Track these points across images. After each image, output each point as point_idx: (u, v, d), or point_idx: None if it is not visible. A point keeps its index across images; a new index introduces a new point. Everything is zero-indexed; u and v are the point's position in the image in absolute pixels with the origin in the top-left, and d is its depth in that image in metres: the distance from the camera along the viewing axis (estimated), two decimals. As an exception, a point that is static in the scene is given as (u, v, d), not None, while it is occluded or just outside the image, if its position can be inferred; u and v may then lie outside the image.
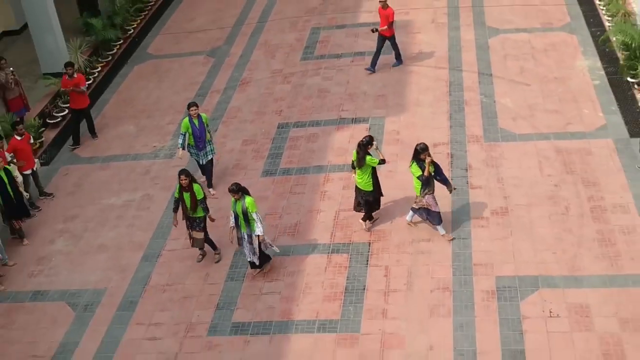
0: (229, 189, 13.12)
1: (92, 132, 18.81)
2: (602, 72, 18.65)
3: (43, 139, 18.74)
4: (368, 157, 13.78)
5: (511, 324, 12.19)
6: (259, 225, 13.11)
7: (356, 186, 14.27)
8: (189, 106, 15.73)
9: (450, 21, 22.09)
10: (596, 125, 16.76)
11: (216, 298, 13.56)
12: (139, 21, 24.56)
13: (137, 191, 16.74)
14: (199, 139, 15.67)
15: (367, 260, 13.91)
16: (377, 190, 14.26)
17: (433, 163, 13.43)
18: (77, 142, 18.55)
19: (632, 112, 16.87)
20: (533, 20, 21.58)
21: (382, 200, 14.71)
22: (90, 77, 21.13)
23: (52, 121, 19.48)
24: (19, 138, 16.10)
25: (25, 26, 22.41)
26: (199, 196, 13.64)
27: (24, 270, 14.89)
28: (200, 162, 16.05)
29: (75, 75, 18.09)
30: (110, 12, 23.75)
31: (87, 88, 20.22)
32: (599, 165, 15.46)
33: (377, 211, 14.65)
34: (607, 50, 19.40)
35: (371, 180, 14.03)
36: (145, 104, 20.18)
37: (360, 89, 19.34)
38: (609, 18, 20.48)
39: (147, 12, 25.18)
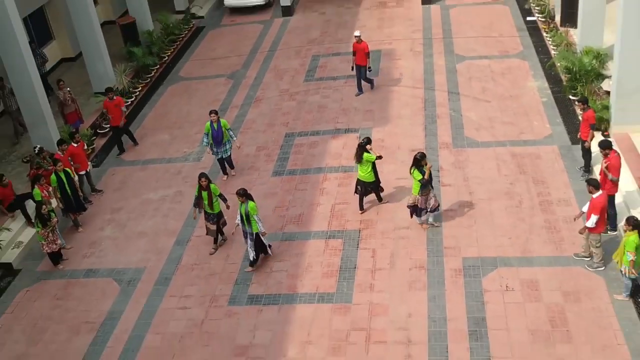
0: (236, 192, 13.11)
1: (134, 141, 18.76)
2: (549, 91, 18.61)
3: (94, 145, 18.74)
4: (365, 154, 13.96)
5: (475, 296, 12.20)
6: (260, 225, 13.08)
7: (358, 179, 14.42)
8: (210, 113, 16.21)
9: (425, 50, 22.05)
10: (544, 134, 16.73)
11: (235, 275, 13.56)
12: (172, 50, 24.49)
13: (170, 188, 16.71)
14: (216, 139, 16.04)
15: (358, 244, 13.89)
16: (377, 180, 14.53)
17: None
18: (121, 151, 18.48)
19: (573, 124, 16.82)
20: (492, 49, 21.54)
21: (369, 196, 14.77)
22: (132, 95, 21.14)
23: (101, 131, 19.45)
24: (75, 145, 16.12)
25: (80, 54, 22.35)
26: (216, 192, 13.84)
27: (79, 252, 14.89)
28: (220, 157, 16.44)
29: (114, 98, 17.91)
30: (149, 42, 23.76)
31: (130, 105, 20.31)
32: (546, 167, 15.44)
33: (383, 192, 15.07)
34: (552, 73, 19.35)
35: (372, 172, 14.21)
36: (177, 117, 20.14)
37: (352, 105, 19.31)
38: (555, 47, 20.44)
39: (178, 42, 25.11)
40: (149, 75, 22.59)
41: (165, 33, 24.84)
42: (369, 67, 19.14)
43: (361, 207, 14.75)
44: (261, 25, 26.18)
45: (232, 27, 26.53)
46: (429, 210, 13.73)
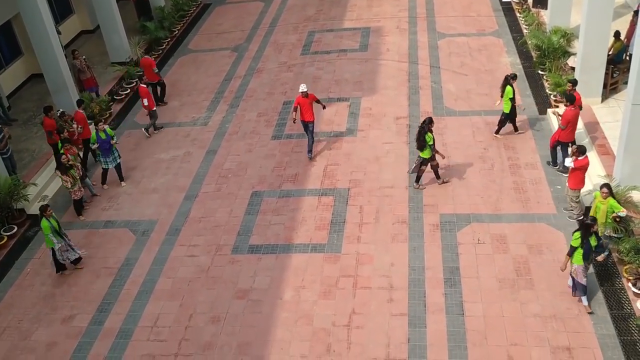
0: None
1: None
2: (520, 66, 18.45)
3: (112, 110, 18.50)
4: (508, 88, 14.37)
5: (450, 248, 12.26)
6: (54, 240, 12.32)
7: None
8: (97, 123, 14.91)
9: (410, 27, 21.77)
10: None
11: (238, 227, 13.55)
12: (181, 25, 24.09)
13: (180, 149, 16.59)
14: (103, 147, 14.69)
15: (347, 201, 13.88)
16: (511, 113, 14.80)
17: (596, 234, 10.45)
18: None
19: (541, 96, 16.73)
20: (470, 27, 21.28)
21: (356, 159, 14.72)
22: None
23: (118, 97, 19.22)
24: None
25: (98, 27, 21.96)
26: (429, 141, 13.30)
27: (99, 205, 14.83)
28: (107, 167, 14.96)
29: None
30: (161, 17, 23.39)
31: (143, 74, 20.01)
32: (516, 134, 15.36)
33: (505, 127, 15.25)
34: (524, 50, 19.18)
35: (508, 104, 14.58)
36: (186, 85, 19.89)
37: (343, 76, 19.10)
38: (526, 26, 20.24)
39: (187, 17, 24.70)
40: (161, 48, 22.23)
41: (175, 9, 24.45)
42: (294, 120, 15.41)
43: (515, 129, 15.28)
44: (262, 3, 25.72)
45: (236, 5, 26.05)
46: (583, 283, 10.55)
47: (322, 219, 13.42)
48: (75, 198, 14.15)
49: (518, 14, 21.55)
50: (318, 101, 15.21)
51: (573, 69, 16.66)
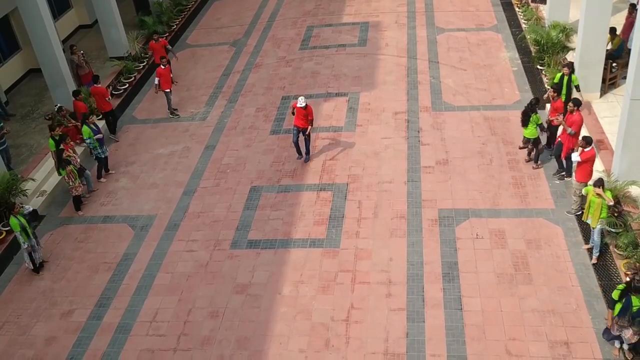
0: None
1: (114, 132, 17.21)
2: (519, 61, 18.44)
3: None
4: (557, 74, 14.29)
5: (448, 243, 12.27)
6: (21, 241, 12.35)
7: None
8: (86, 117, 14.88)
9: (408, 22, 21.73)
10: (514, 100, 16.63)
11: (236, 222, 13.55)
12: (180, 19, 24.01)
13: (179, 144, 16.57)
14: (100, 139, 14.98)
15: (346, 196, 13.88)
16: (538, 139, 14.00)
17: None
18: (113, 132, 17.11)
19: (539, 91, 16.68)
20: (469, 22, 21.25)
21: (355, 154, 14.67)
22: (143, 60, 20.77)
23: (116, 92, 19.17)
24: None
25: (96, 21, 21.94)
26: (538, 121, 13.43)
27: (97, 200, 14.83)
28: (102, 157, 15.20)
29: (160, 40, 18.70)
30: (159, 12, 23.32)
31: (141, 68, 20.00)
32: (515, 129, 15.33)
33: None
34: (523, 45, 19.15)
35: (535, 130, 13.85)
36: (184, 80, 19.84)
37: (342, 71, 19.08)
38: (525, 21, 20.22)
39: (186, 12, 24.63)
40: (159, 42, 22.18)
41: (173, 3, 24.40)
42: (308, 134, 14.83)
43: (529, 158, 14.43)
44: (261, -2, 25.72)
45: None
46: (623, 340, 9.59)
47: (321, 214, 13.43)
48: (76, 194, 14.15)
49: (517, 9, 21.51)
50: (311, 124, 14.64)
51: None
